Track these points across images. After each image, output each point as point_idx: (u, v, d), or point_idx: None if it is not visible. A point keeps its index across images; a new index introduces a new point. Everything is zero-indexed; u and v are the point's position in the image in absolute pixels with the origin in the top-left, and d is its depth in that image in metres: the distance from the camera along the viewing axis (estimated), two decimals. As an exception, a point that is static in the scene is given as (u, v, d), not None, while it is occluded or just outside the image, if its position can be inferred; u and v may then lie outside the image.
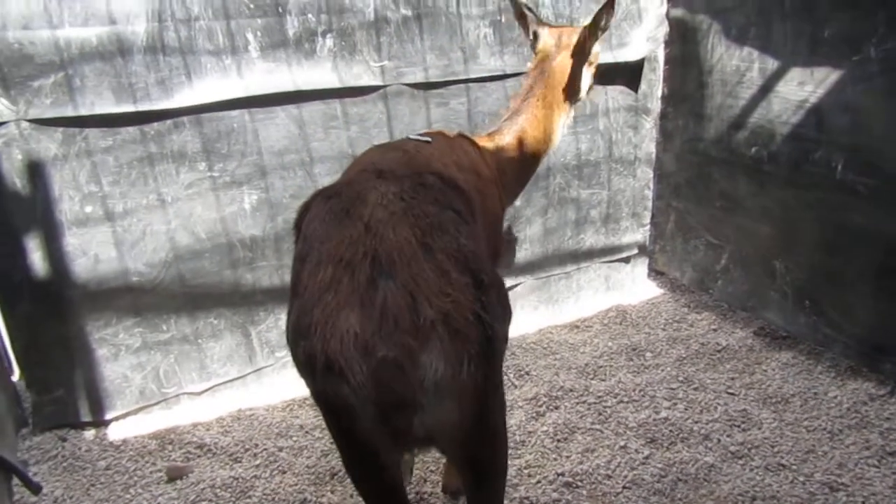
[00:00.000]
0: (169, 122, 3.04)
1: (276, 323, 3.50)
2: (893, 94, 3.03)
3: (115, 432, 3.30)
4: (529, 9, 3.01)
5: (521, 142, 2.87)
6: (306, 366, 1.54)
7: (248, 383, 3.55)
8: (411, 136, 2.52)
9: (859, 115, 3.19)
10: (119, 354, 3.23)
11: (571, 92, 2.94)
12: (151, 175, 3.07)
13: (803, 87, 3.41)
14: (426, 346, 1.47)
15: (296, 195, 3.35)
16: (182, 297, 3.27)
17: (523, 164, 2.92)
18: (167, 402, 3.40)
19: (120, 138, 2.99)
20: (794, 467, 2.87)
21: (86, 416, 3.27)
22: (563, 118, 3.00)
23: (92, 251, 3.04)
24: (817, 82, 3.34)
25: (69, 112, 2.86)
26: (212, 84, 3.05)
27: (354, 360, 1.45)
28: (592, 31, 2.84)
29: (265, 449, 3.15)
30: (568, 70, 2.89)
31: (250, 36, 3.09)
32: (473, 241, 1.70)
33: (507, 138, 2.86)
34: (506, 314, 1.78)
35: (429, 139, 2.46)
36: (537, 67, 2.93)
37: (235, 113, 3.14)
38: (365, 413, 1.50)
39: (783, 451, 2.98)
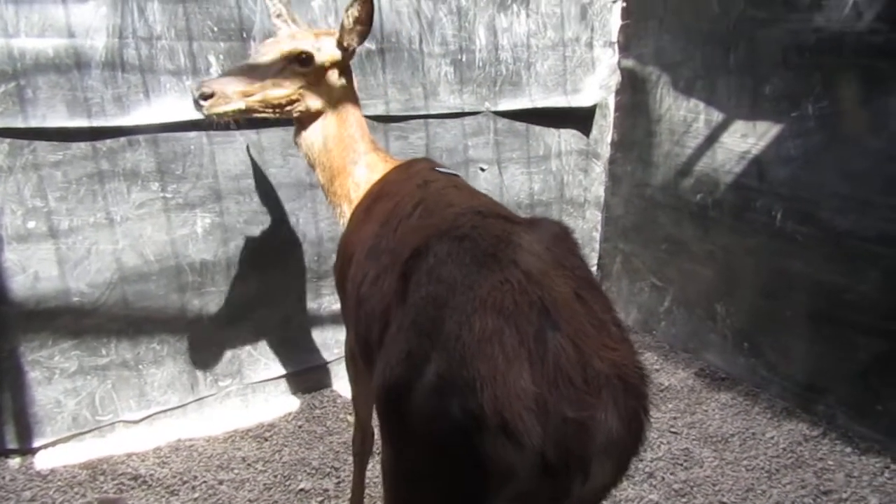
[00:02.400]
0: (123, 139, 2.98)
1: (220, 351, 3.41)
2: (829, 149, 3.23)
3: (43, 461, 3.12)
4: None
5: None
6: (465, 426, 1.37)
7: (189, 413, 3.42)
8: (439, 170, 2.38)
9: (797, 168, 3.38)
10: (53, 378, 3.07)
11: None
12: (101, 193, 2.99)
13: (746, 139, 3.60)
14: (601, 404, 1.38)
15: (250, 220, 3.31)
16: (124, 320, 3.15)
17: None
18: (101, 430, 3.24)
19: (70, 153, 2.90)
20: (736, 505, 2.95)
21: (11, 443, 3.08)
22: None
23: (32, 268, 2.91)
24: (759, 135, 3.53)
25: (18, 123, 2.77)
26: (170, 104, 3.00)
27: (532, 421, 1.32)
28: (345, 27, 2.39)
29: (204, 482, 3.03)
30: None
31: (212, 58, 3.07)
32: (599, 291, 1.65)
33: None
34: None
35: (455, 173, 2.38)
36: None
37: (193, 134, 3.10)
38: (526, 479, 1.36)
39: (724, 489, 3.05)
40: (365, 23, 2.34)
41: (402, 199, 2.08)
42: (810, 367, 3.49)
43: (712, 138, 3.78)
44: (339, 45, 2.39)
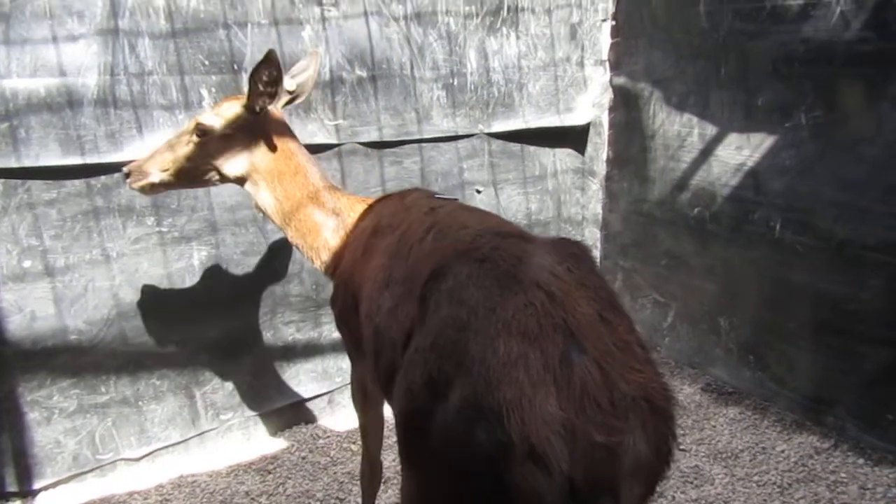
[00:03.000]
0: (117, 175, 2.97)
1: (221, 384, 3.38)
2: (823, 159, 3.22)
3: (44, 503, 3.08)
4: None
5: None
6: (492, 452, 1.35)
7: (191, 448, 3.38)
8: (438, 196, 2.38)
9: (793, 178, 3.37)
10: (52, 418, 3.04)
11: None
12: (96, 229, 2.98)
13: (741, 151, 3.60)
14: (628, 427, 1.36)
15: (247, 252, 3.30)
16: (123, 356, 3.13)
17: None
18: (102, 469, 3.20)
19: (65, 191, 2.90)
20: (749, 522, 2.89)
21: (11, 486, 3.04)
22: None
23: (28, 308, 2.90)
24: (753, 147, 3.52)
25: (12, 163, 2.77)
26: (164, 138, 3.01)
27: (560, 447, 1.30)
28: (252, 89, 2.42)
29: (208, 518, 2.99)
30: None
31: (204, 92, 3.08)
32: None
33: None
34: None
35: (454, 198, 2.38)
36: None
37: (187, 168, 3.10)
38: None
39: (736, 506, 3.00)
40: (274, 85, 2.38)
41: (410, 228, 2.05)
42: (818, 379, 3.45)
43: (707, 152, 3.77)
44: (249, 108, 2.42)
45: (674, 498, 3.06)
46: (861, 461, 3.21)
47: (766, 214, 3.50)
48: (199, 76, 3.06)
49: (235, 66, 3.12)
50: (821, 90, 3.18)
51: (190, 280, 3.20)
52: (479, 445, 1.36)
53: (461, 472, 1.41)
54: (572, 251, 1.66)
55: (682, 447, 3.43)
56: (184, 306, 3.21)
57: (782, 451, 3.34)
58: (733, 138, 3.63)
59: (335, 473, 3.32)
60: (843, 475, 3.14)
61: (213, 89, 3.09)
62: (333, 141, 3.40)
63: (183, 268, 3.17)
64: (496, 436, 1.33)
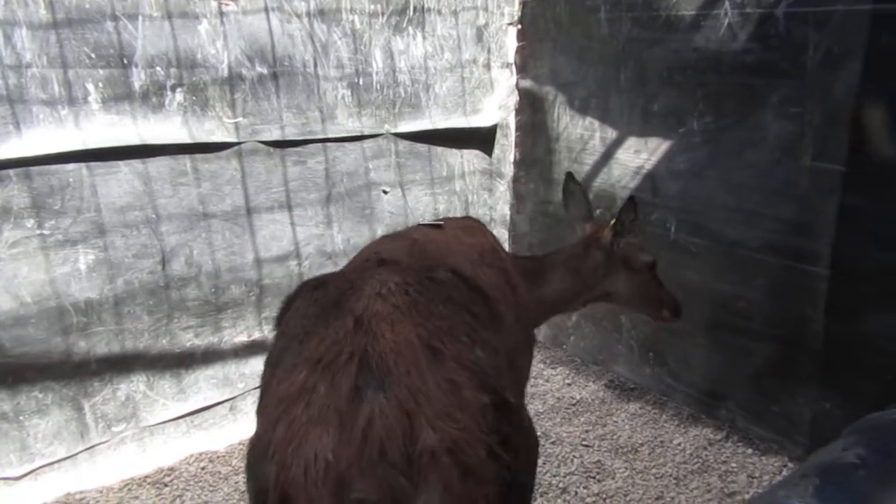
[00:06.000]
0: (-7, 174, 2.77)
1: (113, 394, 3.20)
2: (714, 163, 3.37)
3: None
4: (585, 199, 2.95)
5: (552, 279, 2.72)
6: (254, 500, 1.22)
7: (79, 463, 3.18)
8: (422, 224, 2.27)
9: (687, 182, 3.50)
10: (-82, 438, 2.80)
11: (591, 283, 2.79)
12: (-32, 232, 2.76)
13: (639, 154, 3.71)
14: (423, 488, 1.12)
15: (140, 255, 3.14)
16: (1, 368, 2.91)
17: (541, 301, 2.67)
18: (-22, 491, 2.98)
19: (-70, 191, 2.68)
20: (645, 515, 2.99)
21: None
22: (583, 297, 2.83)
23: None
24: (651, 151, 3.64)
25: None
26: (44, 135, 2.82)
27: (320, 501, 1.10)
28: (617, 230, 2.73)
29: (97, 537, 2.83)
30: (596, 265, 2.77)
31: (90, 86, 2.91)
32: (494, 354, 1.37)
33: (546, 265, 2.74)
34: (531, 457, 1.46)
35: (441, 223, 2.22)
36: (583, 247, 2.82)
37: (71, 167, 2.92)
38: None
39: (634, 499, 3.09)
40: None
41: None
42: (711, 374, 3.60)
43: (608, 155, 3.88)
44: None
45: (576, 493, 3.13)
46: (750, 451, 3.38)
47: (663, 216, 3.63)
48: (85, 70, 2.88)
49: (125, 60, 2.96)
50: (711, 97, 3.32)
51: (76, 286, 3.01)
52: (255, 485, 1.24)
53: None
54: (433, 276, 1.49)
55: (585, 443, 3.52)
56: (69, 314, 3.01)
57: (679, 444, 3.48)
58: (632, 142, 3.75)
59: (236, 483, 3.21)
60: (733, 465, 3.30)
61: (100, 84, 2.92)
62: (233, 139, 3.28)
63: (68, 273, 2.98)
64: (258, 479, 1.20)
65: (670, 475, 3.26)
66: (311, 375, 1.21)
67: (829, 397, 3.13)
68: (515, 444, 1.26)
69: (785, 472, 3.21)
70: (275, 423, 1.20)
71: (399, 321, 1.27)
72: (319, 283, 1.49)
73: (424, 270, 1.51)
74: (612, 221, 2.78)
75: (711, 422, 3.62)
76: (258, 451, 1.22)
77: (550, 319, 3.00)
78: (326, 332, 1.27)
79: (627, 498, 3.11)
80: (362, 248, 2.17)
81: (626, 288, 2.78)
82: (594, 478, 3.26)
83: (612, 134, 3.85)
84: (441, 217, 2.64)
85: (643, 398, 3.92)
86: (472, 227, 2.42)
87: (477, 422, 1.19)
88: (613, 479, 3.24)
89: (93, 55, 2.89)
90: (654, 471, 3.29)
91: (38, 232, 2.90)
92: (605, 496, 3.12)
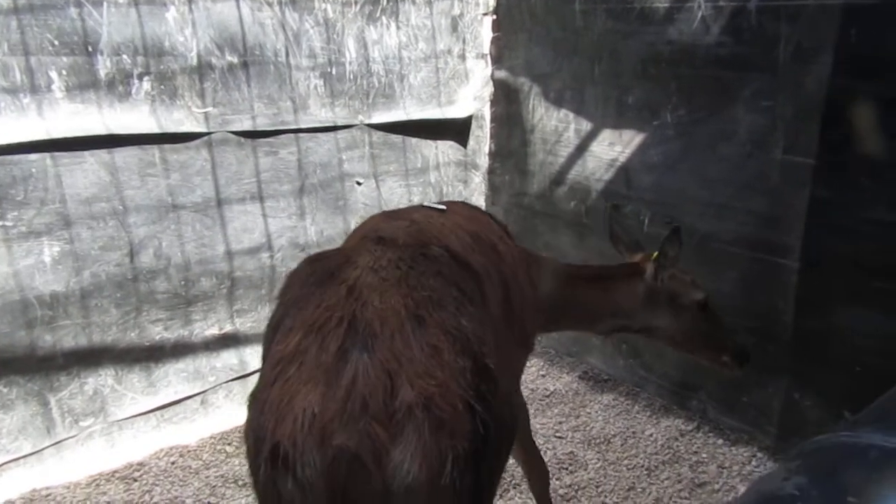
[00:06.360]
0: (-49, 164, 2.70)
1: (80, 388, 3.15)
2: (687, 156, 3.38)
3: None
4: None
5: (576, 288, 2.60)
6: (251, 450, 1.30)
7: (46, 459, 3.13)
8: (426, 204, 2.25)
9: (660, 174, 3.51)
10: None
11: (620, 310, 2.63)
12: (-74, 224, 2.69)
13: (613, 147, 3.72)
14: (399, 439, 1.20)
15: (106, 247, 3.08)
16: (-37, 363, 2.85)
17: (556, 307, 2.59)
18: (-60, 488, 2.92)
19: None
20: (617, 506, 3.01)
21: None
22: (610, 323, 2.68)
23: None
24: (625, 143, 3.65)
25: None
26: (5, 124, 2.75)
27: (307, 449, 1.19)
28: (661, 262, 2.53)
29: (63, 534, 2.79)
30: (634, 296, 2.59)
31: (54, 74, 2.84)
32: (479, 325, 1.44)
33: (572, 273, 2.62)
34: (512, 417, 1.54)
35: (443, 207, 2.18)
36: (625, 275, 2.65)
37: (34, 157, 2.84)
38: None
39: (607, 490, 3.11)
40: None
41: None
42: (683, 365, 3.63)
43: (582, 147, 3.88)
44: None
45: (549, 484, 3.13)
46: (720, 441, 3.42)
47: (637, 209, 3.64)
48: (48, 57, 2.81)
49: (90, 48, 2.88)
50: (684, 90, 3.33)
51: (41, 278, 2.94)
52: (251, 437, 1.34)
53: (252, 470, 1.38)
54: (426, 252, 1.57)
55: (558, 434, 3.53)
56: (33, 307, 2.95)
57: (651, 435, 3.50)
58: (606, 134, 3.75)
59: (207, 477, 3.18)
60: (704, 455, 3.33)
61: (64, 71, 2.84)
62: (202, 129, 3.22)
63: (32, 265, 2.91)
64: (253, 431, 1.30)
65: (642, 466, 3.28)
66: (304, 338, 1.32)
67: (798, 388, 3.16)
68: (493, 409, 1.32)
69: (754, 462, 3.25)
70: (272, 382, 1.30)
71: (388, 291, 1.37)
72: (319, 257, 1.61)
73: (419, 247, 1.60)
74: (655, 254, 2.54)
75: (683, 412, 3.65)
76: (257, 407, 1.31)
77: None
78: (321, 300, 1.38)
79: (599, 489, 3.13)
80: (360, 224, 2.21)
81: (670, 326, 2.56)
82: (567, 469, 3.27)
83: (586, 126, 3.84)
84: (443, 200, 2.49)
85: (616, 389, 3.94)
86: (476, 217, 2.36)
87: (455, 380, 1.28)
88: (586, 470, 3.26)
89: (56, 42, 2.82)
90: (626, 462, 3.31)
91: (0, 223, 2.83)
92: (577, 487, 3.14)
